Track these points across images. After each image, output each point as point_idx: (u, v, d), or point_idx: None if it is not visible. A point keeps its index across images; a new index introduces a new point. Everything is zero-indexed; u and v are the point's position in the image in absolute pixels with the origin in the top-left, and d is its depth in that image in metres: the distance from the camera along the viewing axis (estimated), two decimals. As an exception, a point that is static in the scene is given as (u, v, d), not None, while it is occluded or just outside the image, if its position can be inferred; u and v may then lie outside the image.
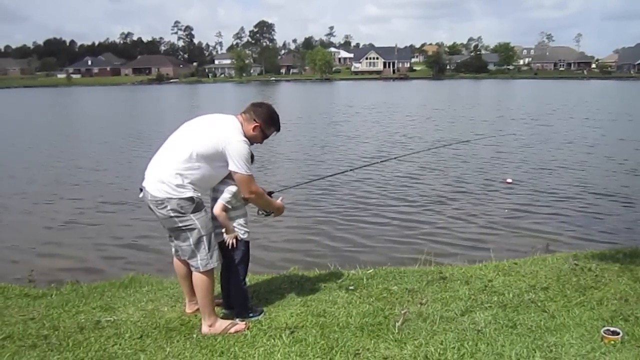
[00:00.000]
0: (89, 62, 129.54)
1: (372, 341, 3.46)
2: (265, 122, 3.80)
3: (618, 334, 3.38)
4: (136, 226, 9.83)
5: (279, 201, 4.02)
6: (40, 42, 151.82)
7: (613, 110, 32.75)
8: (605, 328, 3.46)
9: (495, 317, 3.82)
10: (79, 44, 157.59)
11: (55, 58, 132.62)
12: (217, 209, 3.72)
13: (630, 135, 21.07)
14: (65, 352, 3.45)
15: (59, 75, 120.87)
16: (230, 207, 3.76)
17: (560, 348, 3.29)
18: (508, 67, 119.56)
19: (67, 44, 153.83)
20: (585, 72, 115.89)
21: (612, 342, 3.32)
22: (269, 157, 17.06)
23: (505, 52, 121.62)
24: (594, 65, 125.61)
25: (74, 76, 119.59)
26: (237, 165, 3.56)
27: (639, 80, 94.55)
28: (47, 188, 13.51)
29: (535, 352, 3.25)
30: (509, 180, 10.97)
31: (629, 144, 19.04)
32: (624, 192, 11.86)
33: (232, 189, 3.72)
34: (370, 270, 5.12)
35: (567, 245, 8.07)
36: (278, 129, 3.93)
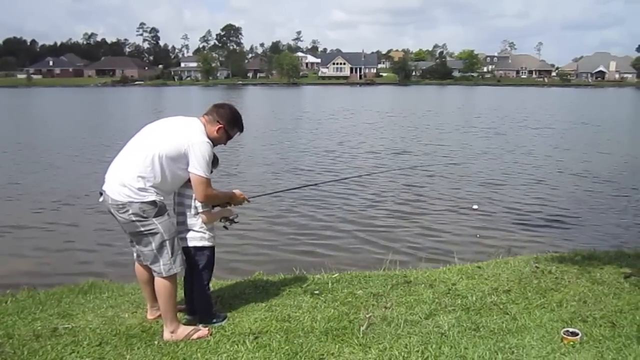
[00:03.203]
0: (51, 63, 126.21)
1: (337, 346, 3.45)
2: (228, 123, 3.76)
3: (577, 334, 3.46)
4: (96, 230, 9.58)
5: (235, 190, 3.97)
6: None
7: (572, 118, 33.75)
8: (565, 329, 3.53)
9: (459, 320, 3.86)
10: (40, 43, 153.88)
11: (15, 58, 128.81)
12: (207, 220, 3.74)
13: (590, 141, 21.76)
14: (20, 361, 3.32)
15: (19, 76, 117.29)
16: (208, 209, 3.75)
17: (521, 350, 3.34)
18: (472, 74, 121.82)
19: (28, 44, 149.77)
20: (545, 79, 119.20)
21: (572, 343, 3.39)
22: (230, 163, 16.93)
23: (470, 60, 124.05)
24: (554, 74, 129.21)
25: (34, 77, 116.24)
26: (195, 166, 3.51)
27: (597, 88, 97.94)
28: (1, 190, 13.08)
29: (498, 354, 3.29)
30: (475, 207, 11.26)
31: (589, 149, 19.66)
32: (582, 197, 12.24)
33: None
34: (335, 275, 5.11)
35: (528, 248, 8.22)
36: (241, 130, 3.90)
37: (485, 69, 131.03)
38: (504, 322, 3.81)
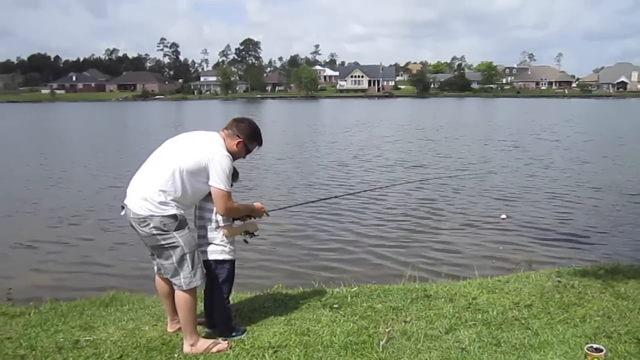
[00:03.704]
0: (74, 78, 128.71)
1: (356, 360, 3.43)
2: (248, 137, 3.80)
3: (601, 351, 3.39)
4: (116, 244, 9.69)
5: (256, 203, 4.00)
6: (25, 57, 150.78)
7: (593, 129, 33.29)
8: (589, 345, 3.46)
9: (480, 335, 3.81)
10: (63, 59, 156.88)
11: (39, 73, 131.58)
12: (229, 233, 3.78)
13: (611, 154, 21.48)
14: (43, 373, 3.37)
15: (43, 91, 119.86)
16: (229, 223, 3.78)
17: (544, 366, 3.29)
18: (491, 85, 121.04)
19: (52, 60, 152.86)
20: (566, 91, 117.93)
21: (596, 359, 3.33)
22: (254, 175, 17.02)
23: (488, 71, 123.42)
24: (574, 85, 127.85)
25: (58, 92, 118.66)
26: (216, 180, 3.55)
27: (619, 99, 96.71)
28: (24, 204, 13.31)
29: (520, 370, 3.24)
30: (503, 217, 11.14)
31: (610, 161, 19.40)
32: (604, 210, 12.05)
33: None
34: (355, 289, 5.10)
35: (549, 262, 8.11)
36: (260, 144, 3.94)
37: (504, 81, 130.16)
38: (526, 338, 3.74)
